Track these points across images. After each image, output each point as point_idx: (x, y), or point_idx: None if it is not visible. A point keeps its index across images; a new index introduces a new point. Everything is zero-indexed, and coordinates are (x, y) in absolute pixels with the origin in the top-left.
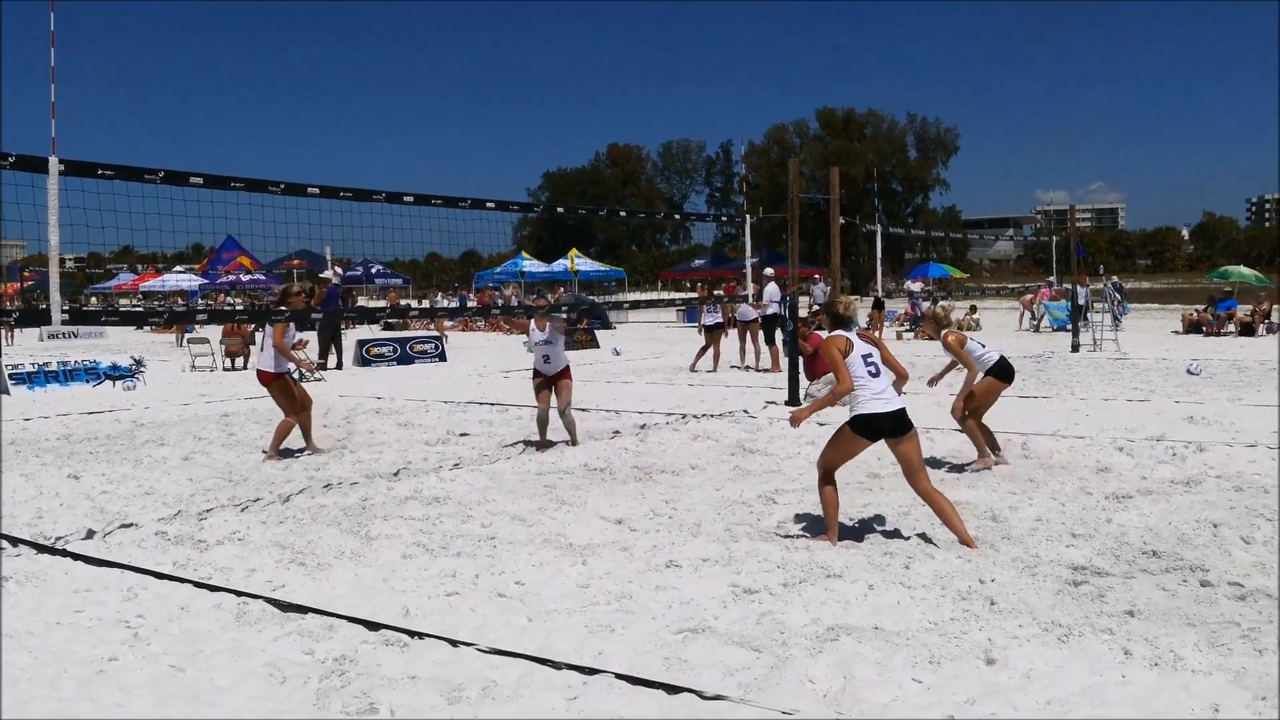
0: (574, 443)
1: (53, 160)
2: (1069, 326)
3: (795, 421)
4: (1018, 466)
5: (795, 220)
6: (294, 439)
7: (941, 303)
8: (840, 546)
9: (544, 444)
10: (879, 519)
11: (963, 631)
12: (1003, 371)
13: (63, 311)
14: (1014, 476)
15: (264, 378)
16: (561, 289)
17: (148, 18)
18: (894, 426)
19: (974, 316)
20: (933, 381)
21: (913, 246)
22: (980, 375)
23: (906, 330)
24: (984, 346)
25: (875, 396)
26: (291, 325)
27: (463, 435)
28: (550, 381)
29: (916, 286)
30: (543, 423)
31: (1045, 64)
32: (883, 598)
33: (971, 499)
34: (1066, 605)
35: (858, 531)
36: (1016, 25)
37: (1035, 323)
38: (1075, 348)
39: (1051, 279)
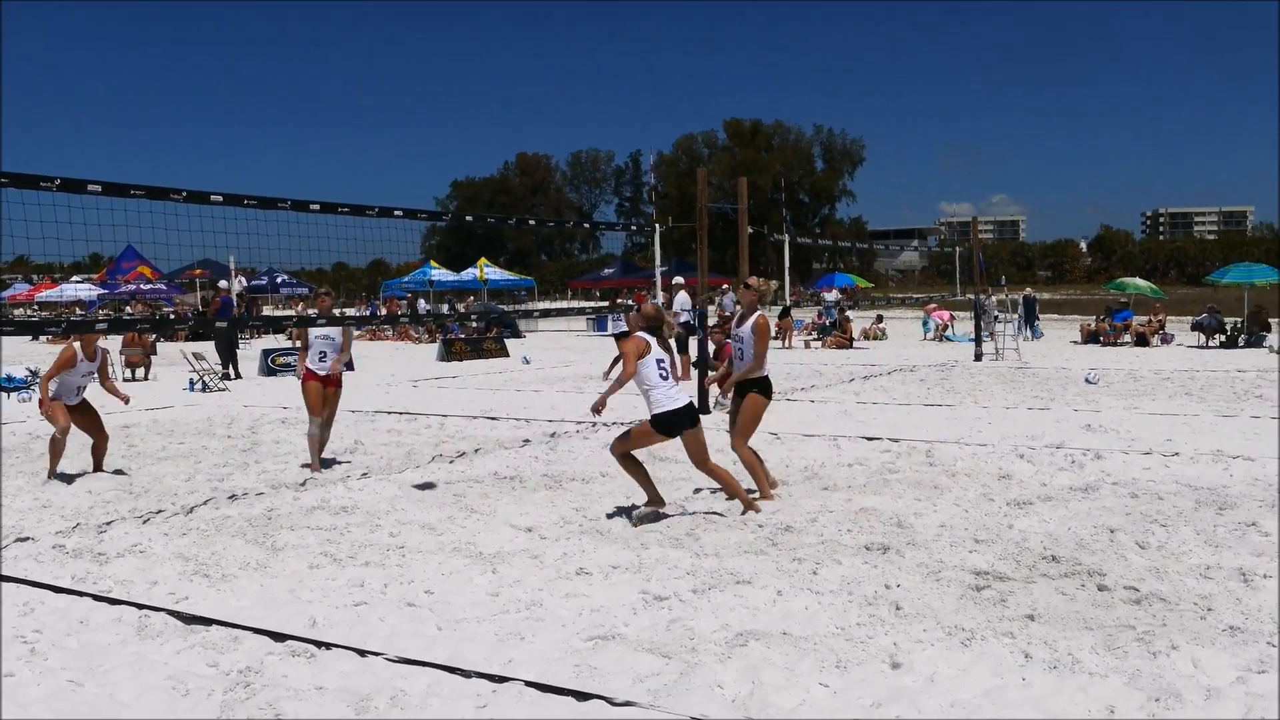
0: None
1: None
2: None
3: (596, 410)
4: (923, 473)
5: (704, 229)
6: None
7: (765, 280)
8: (749, 554)
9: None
10: (787, 527)
11: (869, 636)
12: (765, 387)
13: None
14: (920, 483)
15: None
16: (471, 297)
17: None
18: (690, 420)
19: (880, 326)
20: (722, 382)
21: (820, 256)
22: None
23: (814, 339)
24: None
25: (668, 397)
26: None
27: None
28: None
29: (832, 296)
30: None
31: (949, 77)
32: (791, 603)
33: (877, 505)
34: (969, 610)
35: (766, 539)
36: (921, 39)
37: (938, 334)
38: (978, 357)
39: (934, 300)
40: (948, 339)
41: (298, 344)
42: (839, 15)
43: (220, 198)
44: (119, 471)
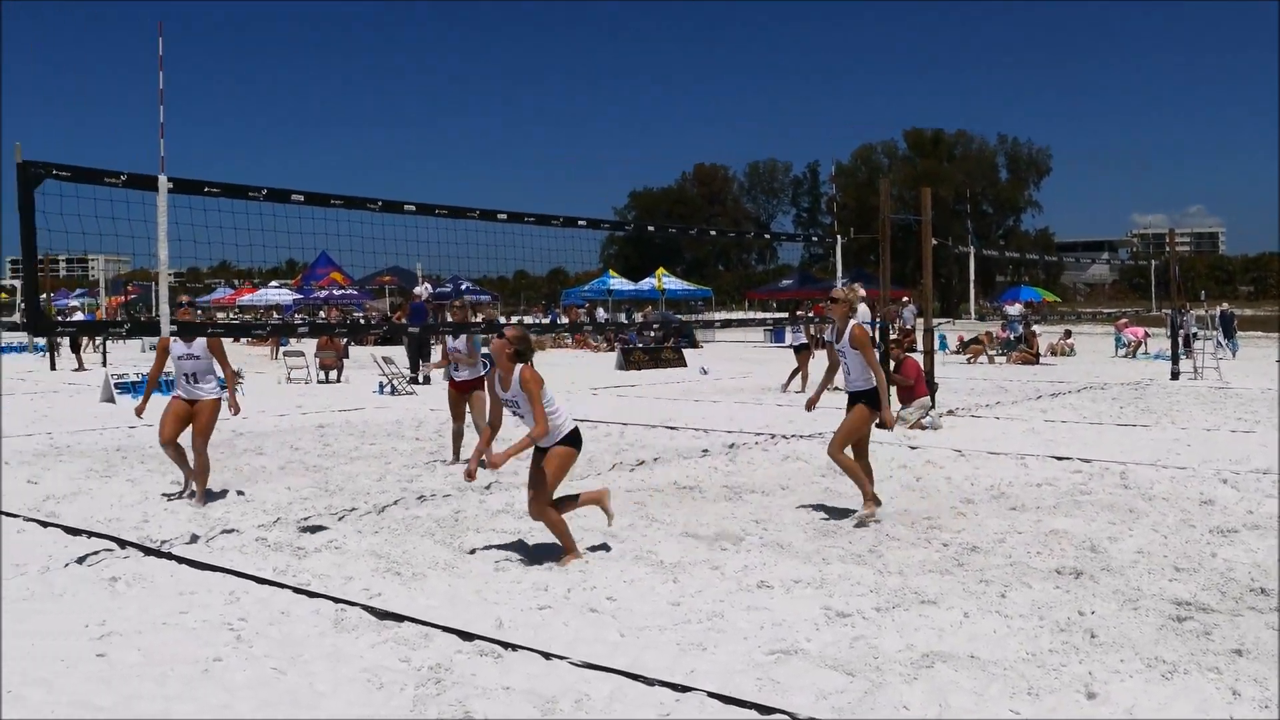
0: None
1: (162, 178)
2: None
3: (493, 466)
4: (1117, 496)
5: (886, 240)
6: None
7: (851, 286)
8: (934, 573)
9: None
10: (974, 547)
11: (1062, 664)
12: (876, 401)
13: (171, 324)
14: (1114, 506)
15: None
16: (649, 307)
17: (241, 41)
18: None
19: (1068, 341)
20: (811, 405)
21: (1004, 269)
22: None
23: (999, 354)
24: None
25: (566, 415)
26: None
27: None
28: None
29: (1015, 310)
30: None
31: (1139, 82)
32: (978, 626)
33: (1069, 528)
34: (1170, 641)
35: (952, 558)
36: (1109, 42)
37: (1130, 350)
38: (1175, 375)
39: (1127, 314)
40: (1142, 356)
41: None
42: (1023, 19)
43: (413, 207)
44: (225, 494)
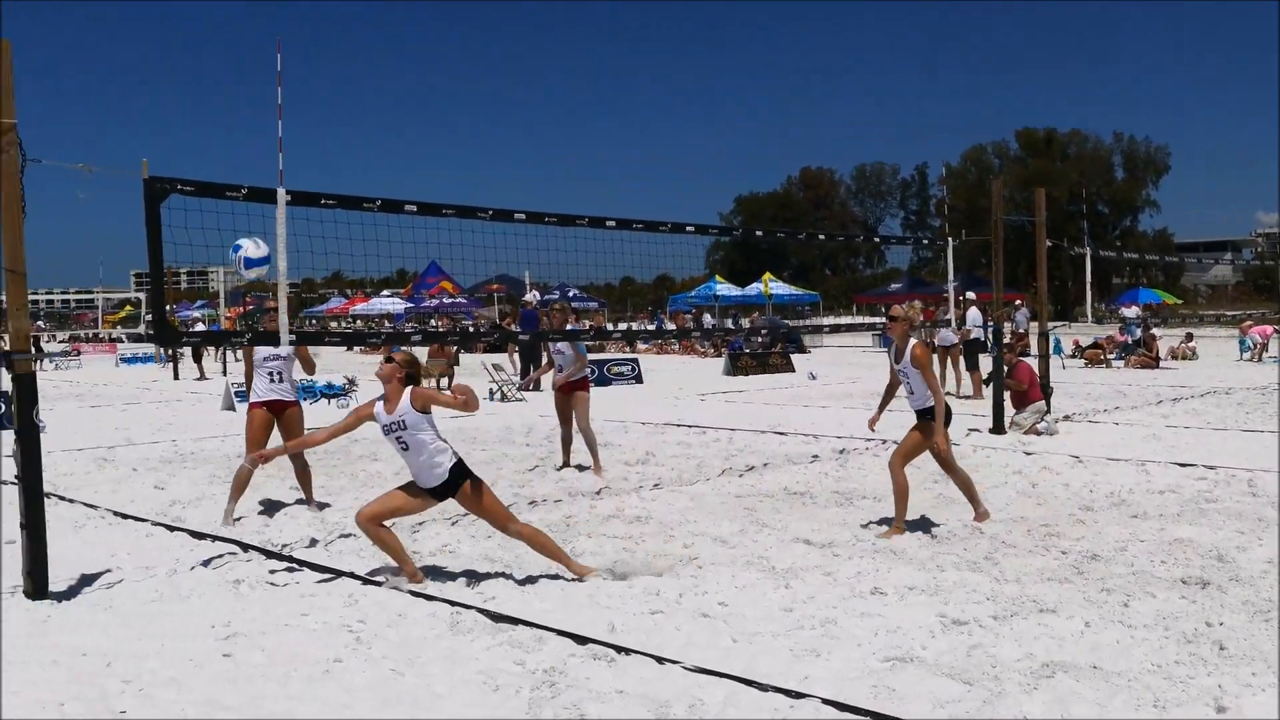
0: (596, 467)
1: (280, 191)
2: None
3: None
4: (1244, 504)
5: (999, 243)
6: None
7: (911, 304)
8: (1053, 581)
9: (564, 464)
10: (1094, 555)
11: (1189, 676)
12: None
13: (290, 333)
14: (1242, 515)
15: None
16: (756, 313)
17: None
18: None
19: (1190, 345)
20: (872, 424)
21: (1121, 271)
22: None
23: (1117, 358)
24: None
25: (449, 454)
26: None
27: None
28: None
29: (1132, 312)
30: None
31: (1263, 76)
32: (1100, 636)
33: (1194, 536)
34: None
35: (1071, 566)
36: (1231, 38)
37: (1253, 353)
38: None
39: (1264, 312)
40: (1269, 360)
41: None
42: (1137, 13)
43: (523, 216)
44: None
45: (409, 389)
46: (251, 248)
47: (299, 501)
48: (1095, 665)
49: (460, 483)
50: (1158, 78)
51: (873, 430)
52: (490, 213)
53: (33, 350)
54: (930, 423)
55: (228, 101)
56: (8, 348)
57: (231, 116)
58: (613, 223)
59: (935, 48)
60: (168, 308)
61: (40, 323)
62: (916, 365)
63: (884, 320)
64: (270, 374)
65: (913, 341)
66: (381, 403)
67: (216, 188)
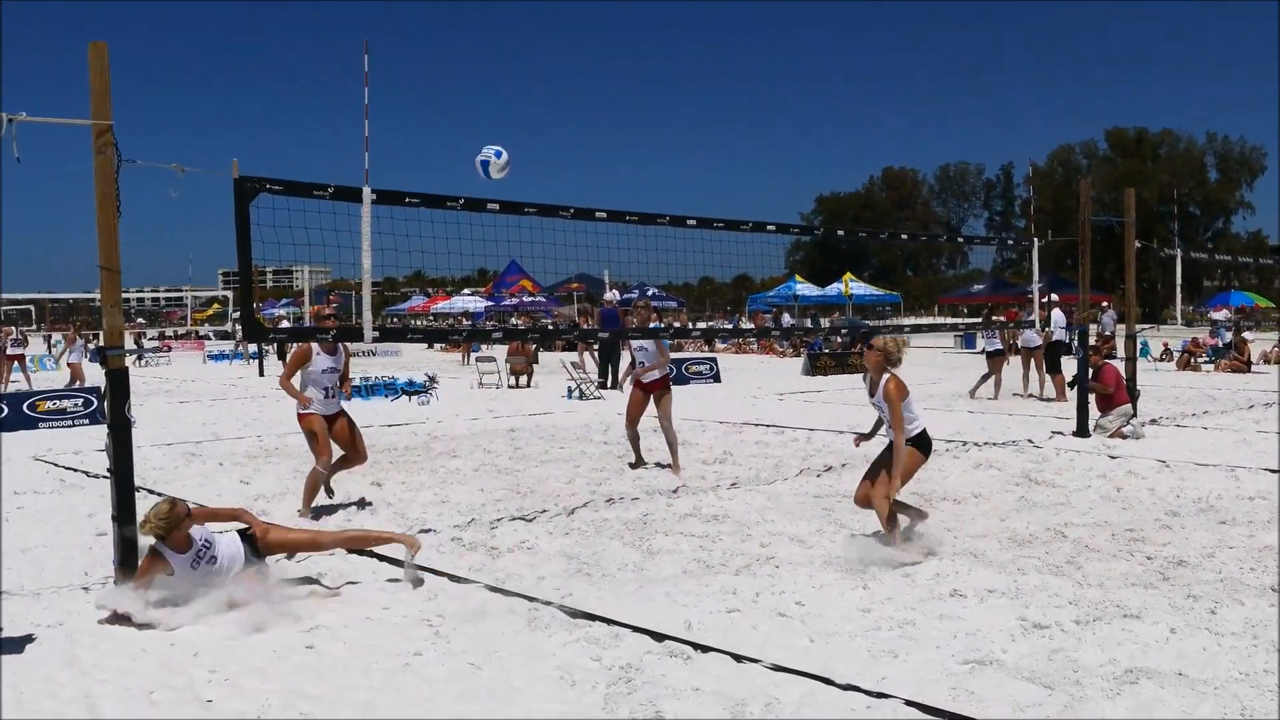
0: (675, 465)
1: (366, 190)
2: None
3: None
4: None
5: (1087, 244)
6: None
7: (894, 336)
8: (1137, 587)
9: (638, 463)
10: (1180, 561)
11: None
12: (922, 444)
13: (373, 329)
14: None
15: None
16: (836, 313)
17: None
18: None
19: None
20: (859, 442)
21: (1212, 273)
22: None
23: (1206, 362)
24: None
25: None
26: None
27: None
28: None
29: (1222, 315)
30: (634, 440)
31: None
32: (1186, 643)
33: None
34: None
35: (1156, 572)
36: None
37: None
38: None
39: None
40: None
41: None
42: (1232, 11)
43: (604, 214)
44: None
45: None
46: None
47: (369, 498)
48: (1180, 672)
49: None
50: (1254, 77)
51: (857, 448)
52: (571, 211)
53: (128, 346)
54: (911, 449)
55: (314, 102)
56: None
57: (319, 117)
58: (693, 221)
59: (1024, 46)
60: (254, 305)
61: (141, 319)
62: (886, 400)
63: (983, 318)
64: (327, 389)
65: (886, 375)
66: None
67: (304, 187)
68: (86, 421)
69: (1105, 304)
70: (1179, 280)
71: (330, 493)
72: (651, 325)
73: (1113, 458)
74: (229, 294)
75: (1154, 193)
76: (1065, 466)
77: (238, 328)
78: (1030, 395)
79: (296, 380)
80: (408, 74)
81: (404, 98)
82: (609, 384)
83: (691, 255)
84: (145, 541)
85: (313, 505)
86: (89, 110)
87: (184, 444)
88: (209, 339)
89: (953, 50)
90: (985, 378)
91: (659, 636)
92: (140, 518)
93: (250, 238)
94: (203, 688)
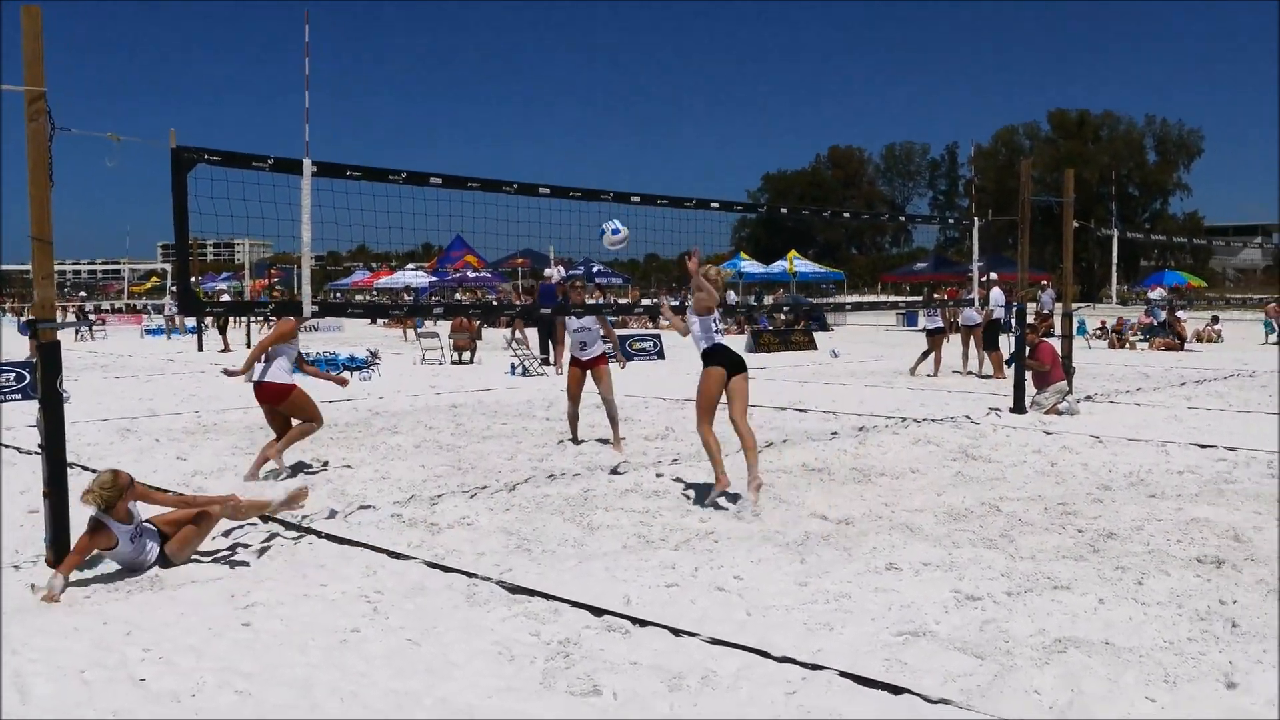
0: (616, 441)
1: (306, 162)
2: None
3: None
4: (1263, 485)
5: (1026, 223)
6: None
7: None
8: (1068, 559)
9: (575, 440)
10: (1110, 534)
11: (1201, 652)
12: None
13: (313, 303)
14: (1260, 496)
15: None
16: (780, 290)
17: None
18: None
19: (1216, 328)
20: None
21: (1149, 253)
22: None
23: (1141, 340)
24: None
25: None
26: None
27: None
28: (584, 369)
29: (1157, 294)
30: (573, 419)
31: None
32: (1114, 613)
33: (1211, 516)
34: None
35: (1087, 544)
36: (1267, 19)
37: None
38: None
39: None
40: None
41: (516, 335)
42: None
43: (548, 189)
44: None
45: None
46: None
47: (311, 471)
48: (1107, 641)
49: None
50: (1192, 60)
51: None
52: (515, 186)
53: (61, 319)
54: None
55: (256, 73)
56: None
57: (261, 87)
58: (637, 198)
59: (970, 26)
60: (193, 279)
61: (83, 294)
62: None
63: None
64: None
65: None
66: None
67: (243, 158)
68: (19, 397)
69: (1044, 283)
70: (1115, 260)
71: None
72: (590, 302)
73: (1048, 434)
74: (167, 267)
75: (1094, 174)
76: (1001, 442)
77: (151, 304)
78: (969, 373)
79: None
80: (355, 45)
81: (350, 68)
82: (550, 361)
83: (637, 231)
84: (87, 512)
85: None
86: (21, 76)
87: (119, 420)
88: (147, 313)
89: (900, 30)
90: (925, 355)
91: (598, 611)
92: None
93: (187, 209)
94: (136, 666)
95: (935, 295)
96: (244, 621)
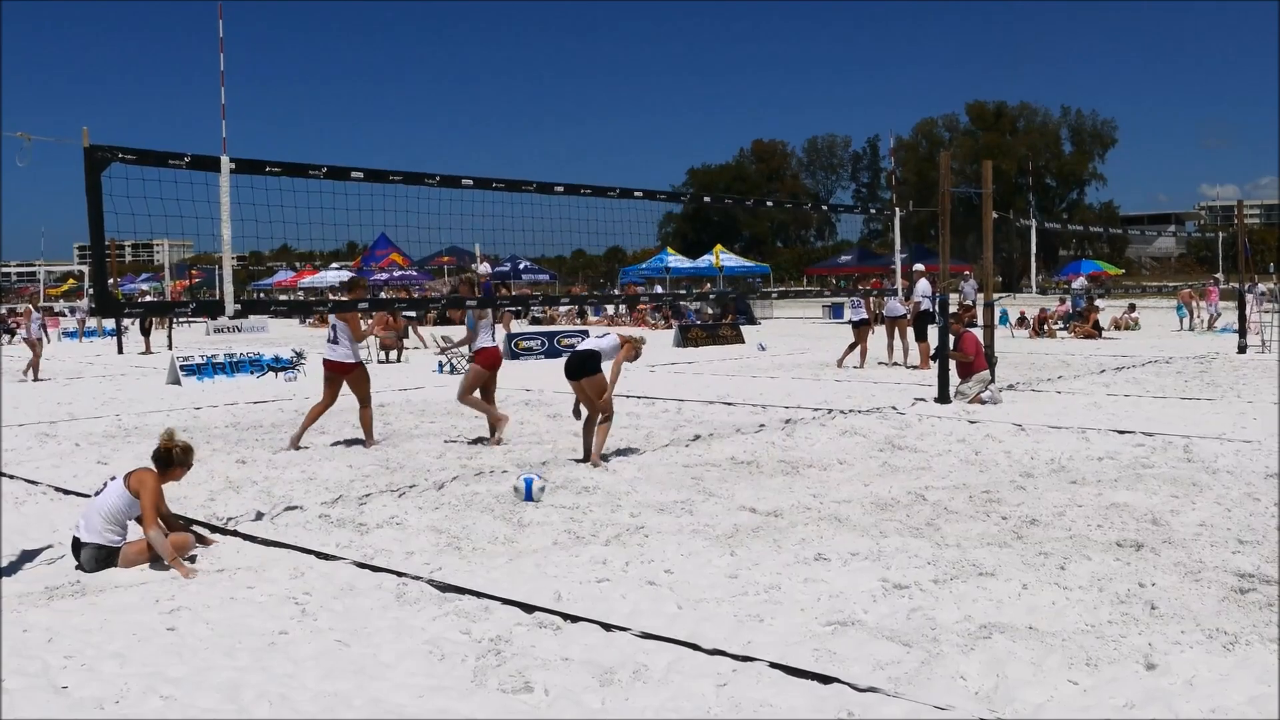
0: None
1: (224, 159)
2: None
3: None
4: (1180, 470)
5: (946, 215)
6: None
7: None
8: (993, 545)
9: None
10: (1033, 520)
11: (1121, 635)
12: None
13: (235, 303)
14: (1176, 480)
15: (342, 368)
16: (708, 284)
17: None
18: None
19: (1132, 316)
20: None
21: (1067, 243)
22: None
23: (1061, 328)
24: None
25: None
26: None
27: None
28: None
29: (1079, 283)
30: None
31: (1208, 51)
32: (1037, 598)
33: (1130, 501)
34: (1232, 613)
35: (1011, 531)
36: (1178, 11)
37: (1203, 323)
38: (1242, 349)
39: (1218, 276)
40: (1224, 332)
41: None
42: None
43: (470, 181)
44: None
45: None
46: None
47: (233, 476)
48: (1031, 626)
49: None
50: (1107, 52)
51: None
52: (438, 179)
53: None
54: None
55: (175, 68)
56: None
57: (181, 84)
58: (560, 188)
59: (888, 19)
60: (111, 281)
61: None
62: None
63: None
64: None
65: None
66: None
67: (159, 156)
68: None
69: (966, 273)
70: (1034, 250)
71: None
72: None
73: (972, 423)
74: (84, 269)
75: (1012, 165)
76: (927, 432)
77: (67, 306)
78: (895, 364)
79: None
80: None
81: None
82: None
83: (563, 224)
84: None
85: None
86: None
87: (38, 424)
88: (64, 315)
89: (820, 22)
90: (852, 347)
91: (529, 608)
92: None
93: (103, 209)
94: (58, 674)
95: (859, 286)
96: (169, 626)
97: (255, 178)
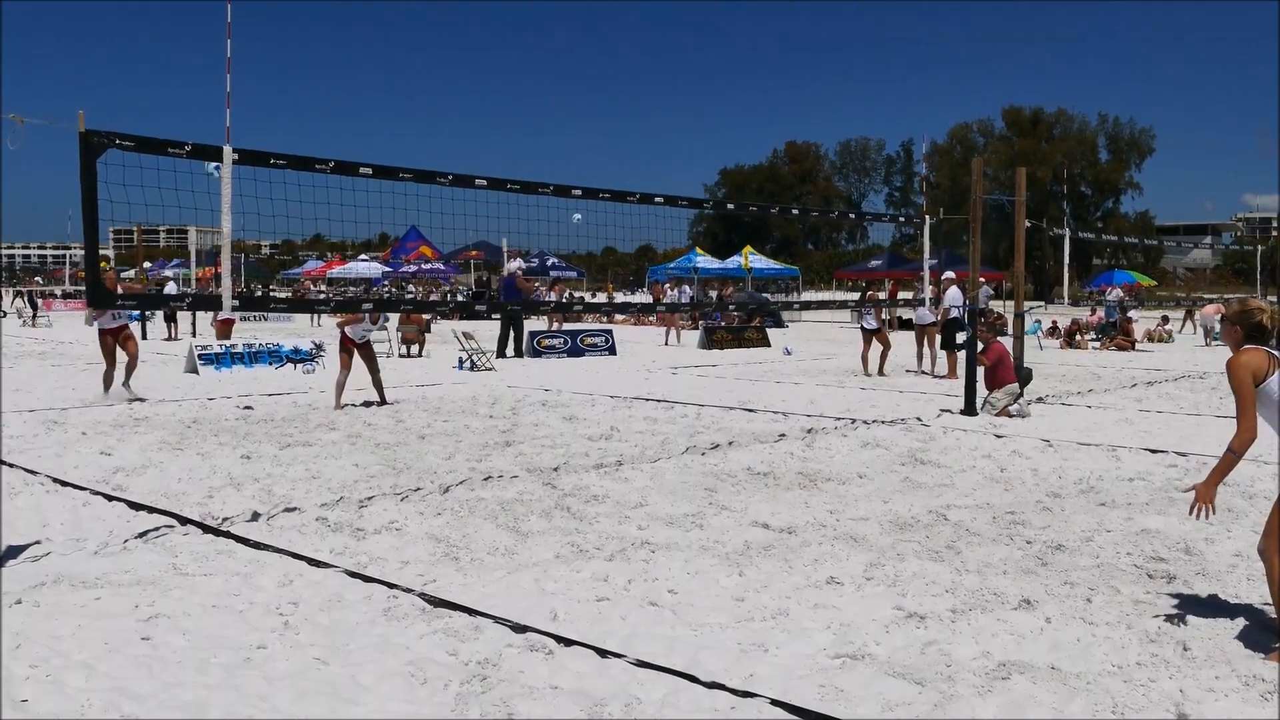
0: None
1: (227, 149)
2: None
3: (1202, 498)
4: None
5: (977, 222)
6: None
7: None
8: (1016, 573)
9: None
10: (1059, 546)
11: (1151, 679)
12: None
13: (233, 298)
14: None
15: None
16: (733, 286)
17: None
18: None
19: (1166, 328)
20: None
21: (1101, 252)
22: None
23: (1093, 339)
24: None
25: None
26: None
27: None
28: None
29: (1113, 295)
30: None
31: (1252, 58)
32: (1061, 633)
33: (1161, 527)
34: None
35: (1035, 557)
36: (1219, 20)
37: (1206, 338)
38: None
39: (1228, 298)
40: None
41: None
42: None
43: (484, 182)
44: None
45: None
46: None
47: (234, 473)
48: (1054, 666)
49: None
50: (1145, 59)
51: None
52: (450, 178)
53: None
54: None
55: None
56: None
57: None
58: (579, 191)
59: (925, 22)
60: (145, 265)
61: (38, 279)
62: None
63: (859, 295)
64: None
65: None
66: None
67: (158, 143)
68: None
69: (982, 280)
70: (1066, 259)
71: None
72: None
73: (998, 437)
74: (111, 253)
75: (1047, 172)
76: (951, 446)
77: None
78: (923, 372)
79: None
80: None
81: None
82: (513, 353)
83: (593, 226)
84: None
85: None
86: None
87: (48, 410)
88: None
89: (857, 24)
90: (883, 353)
91: (520, 628)
92: None
93: (97, 195)
94: (20, 685)
95: (870, 294)
96: (144, 635)
97: (289, 171)
